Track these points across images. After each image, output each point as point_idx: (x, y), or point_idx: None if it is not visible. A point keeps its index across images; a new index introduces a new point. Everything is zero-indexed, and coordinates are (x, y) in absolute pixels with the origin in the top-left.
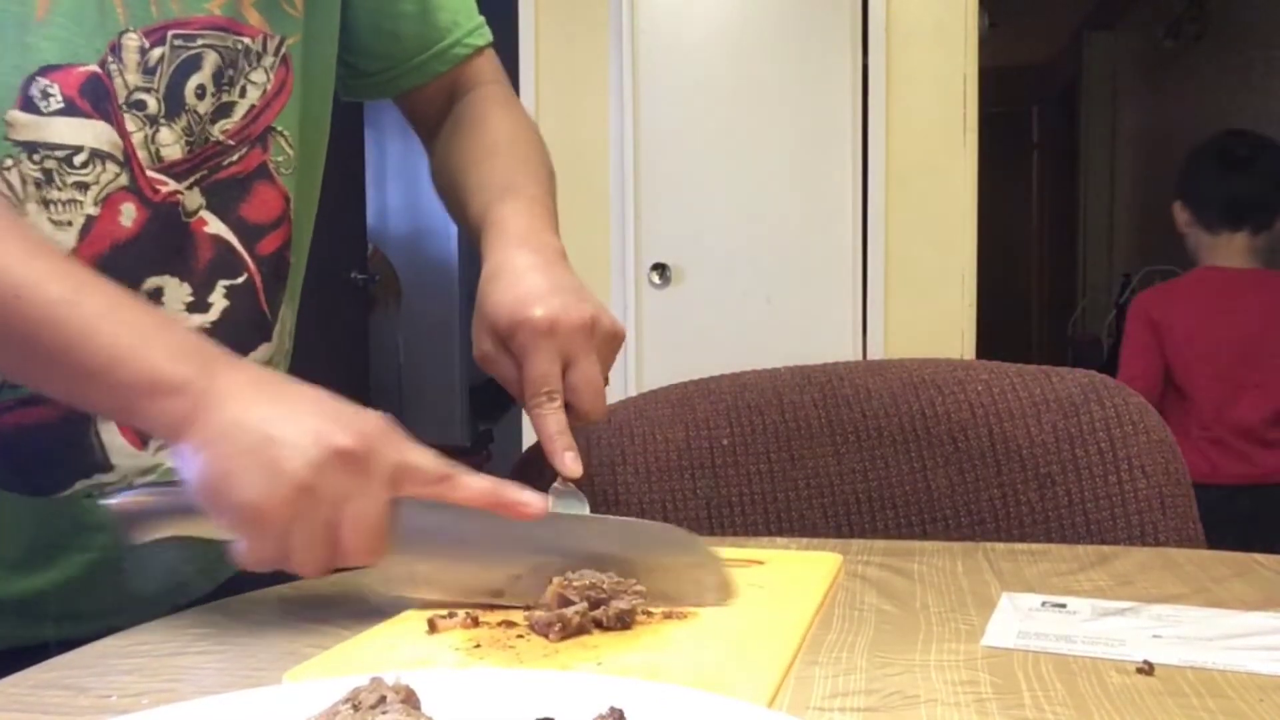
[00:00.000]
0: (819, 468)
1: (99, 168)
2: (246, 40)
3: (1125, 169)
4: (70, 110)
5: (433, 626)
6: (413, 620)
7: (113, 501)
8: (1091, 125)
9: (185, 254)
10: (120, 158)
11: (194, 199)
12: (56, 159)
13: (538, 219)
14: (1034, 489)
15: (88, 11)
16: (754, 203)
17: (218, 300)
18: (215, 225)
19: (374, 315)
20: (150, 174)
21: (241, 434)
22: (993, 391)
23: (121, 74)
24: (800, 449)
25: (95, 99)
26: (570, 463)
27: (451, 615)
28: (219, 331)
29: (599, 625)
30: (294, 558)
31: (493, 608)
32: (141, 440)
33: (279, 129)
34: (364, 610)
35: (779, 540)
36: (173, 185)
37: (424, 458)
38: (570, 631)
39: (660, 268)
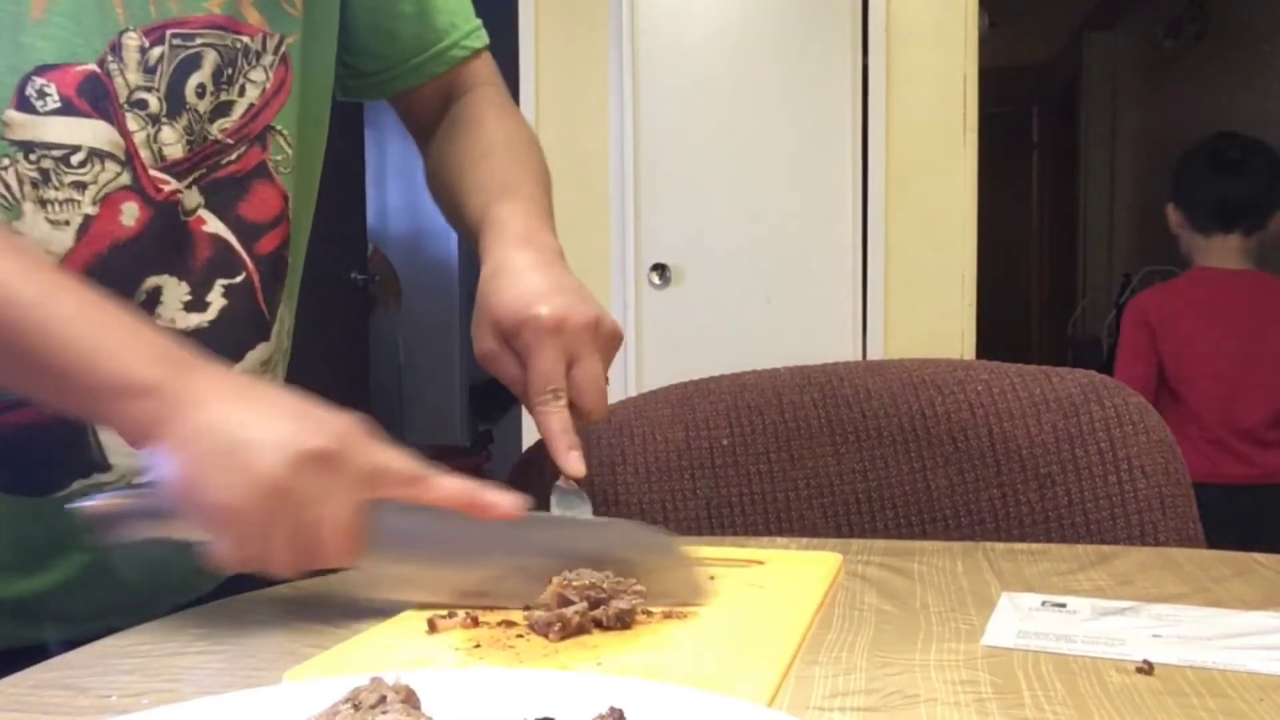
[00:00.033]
0: (819, 468)
1: (97, 167)
2: (245, 39)
3: (1125, 169)
4: (67, 110)
5: (433, 626)
6: (413, 620)
7: (85, 504)
8: (1091, 125)
9: (184, 253)
10: (122, 157)
11: (193, 198)
12: (53, 159)
13: (536, 219)
14: (1034, 489)
15: (86, 11)
16: (754, 203)
17: (216, 299)
18: (214, 224)
19: (374, 315)
20: (153, 173)
21: (214, 436)
22: (993, 391)
23: (122, 73)
24: (800, 449)
25: (94, 98)
26: (574, 462)
27: (451, 615)
28: (217, 331)
29: (599, 625)
30: (268, 559)
31: (491, 608)
32: None
33: (278, 128)
34: (364, 610)
35: (779, 540)
36: (174, 184)
37: (397, 459)
38: (570, 631)
39: (660, 268)
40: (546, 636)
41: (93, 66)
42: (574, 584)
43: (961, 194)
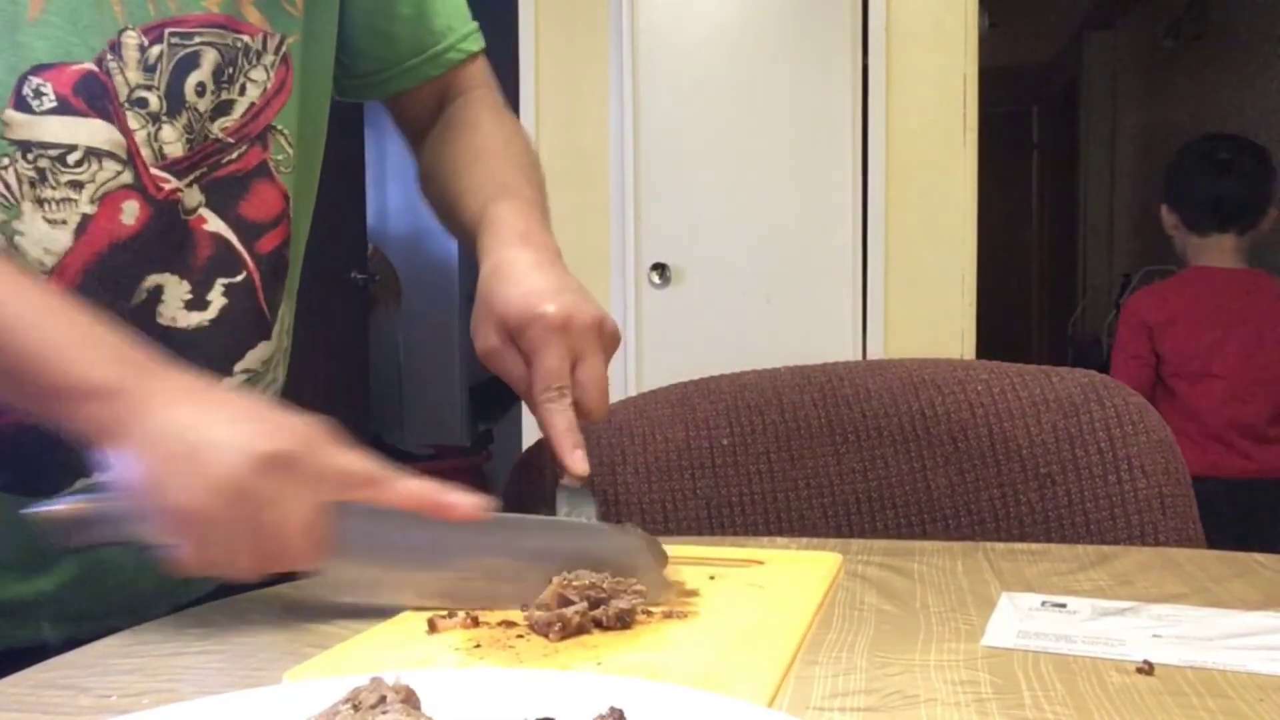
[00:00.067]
0: (819, 468)
1: (94, 166)
2: (246, 38)
3: (1125, 169)
4: (64, 109)
5: (433, 626)
6: (413, 620)
7: (42, 509)
8: (1091, 125)
9: (185, 252)
10: (123, 156)
11: (193, 196)
12: (50, 158)
13: (534, 220)
14: (1034, 489)
15: (83, 10)
16: (754, 203)
17: (216, 298)
18: (214, 223)
19: (374, 315)
20: (154, 171)
21: (172, 439)
22: (993, 391)
23: (122, 72)
24: (800, 449)
25: (91, 97)
26: (579, 461)
27: (451, 615)
28: (218, 329)
29: (599, 625)
30: (229, 562)
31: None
32: None
33: (279, 127)
34: (364, 610)
35: (779, 540)
36: (175, 183)
37: (358, 461)
38: (570, 631)
39: (660, 268)
40: (546, 636)
41: (90, 66)
42: (574, 584)
43: (961, 194)
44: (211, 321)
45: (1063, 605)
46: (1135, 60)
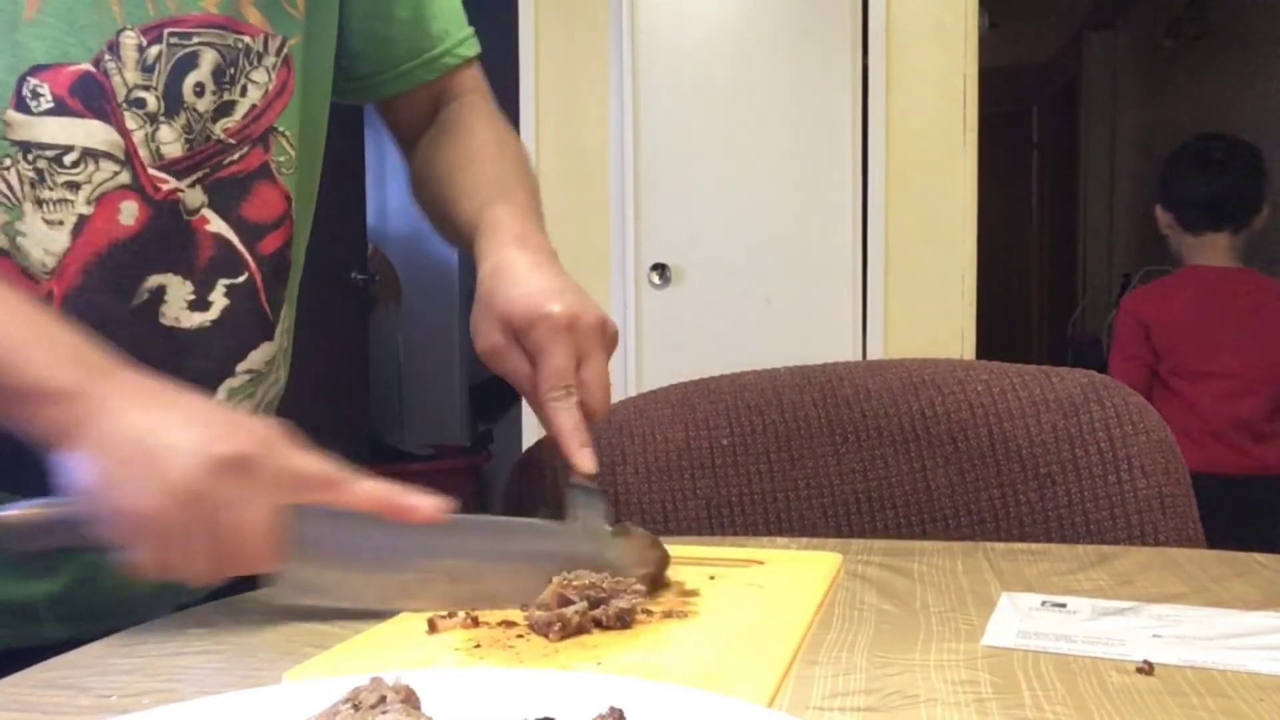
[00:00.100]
0: (819, 468)
1: (91, 167)
2: (247, 39)
3: (1125, 169)
4: (60, 110)
5: (433, 626)
6: (413, 620)
7: None
8: (1091, 125)
9: (187, 252)
10: (121, 156)
11: (196, 197)
12: (47, 159)
13: (531, 224)
14: (1034, 489)
15: (80, 10)
16: (754, 203)
17: (218, 299)
18: (217, 224)
19: (374, 315)
20: (151, 172)
21: (127, 443)
22: (993, 391)
23: (120, 72)
24: (800, 449)
25: (87, 98)
26: (587, 459)
27: (451, 615)
28: (220, 330)
29: (599, 625)
30: (186, 566)
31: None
32: None
33: (280, 129)
34: (364, 610)
35: (779, 540)
36: (173, 183)
37: (316, 463)
38: (570, 631)
39: (660, 268)
40: (546, 636)
41: (86, 66)
42: (574, 584)
43: (961, 194)
44: (213, 322)
45: (1063, 605)
46: (1135, 60)
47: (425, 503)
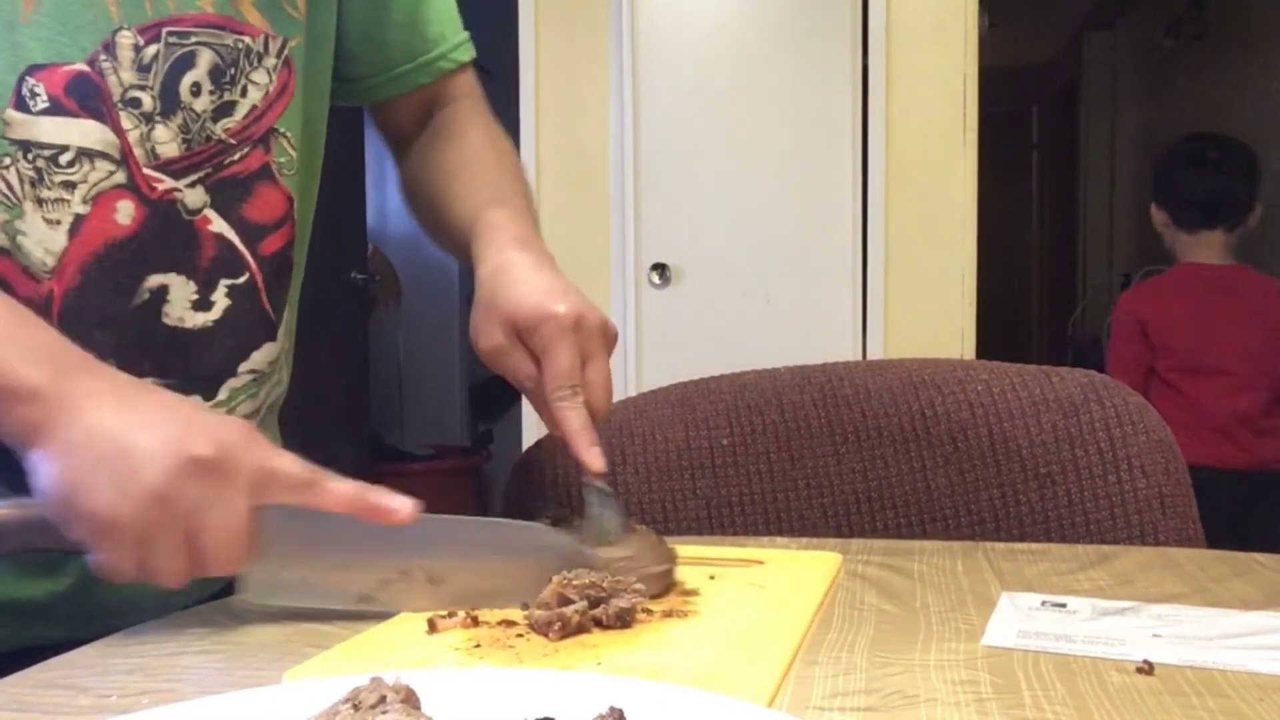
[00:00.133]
0: (819, 468)
1: (86, 166)
2: (247, 39)
3: (1125, 169)
4: (55, 110)
5: (433, 626)
6: (413, 620)
7: None
8: (1091, 125)
9: (190, 252)
10: (116, 156)
11: (197, 197)
12: (44, 158)
13: (528, 227)
14: (1034, 489)
15: (75, 10)
16: (754, 203)
17: (220, 299)
18: (218, 224)
19: (374, 315)
20: (147, 171)
21: (96, 443)
22: (993, 391)
23: (116, 72)
24: (800, 449)
25: (82, 97)
26: (596, 458)
27: (451, 615)
28: (223, 330)
29: (599, 624)
30: (156, 568)
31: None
32: None
33: (281, 130)
34: (364, 610)
35: (779, 540)
36: (170, 183)
37: (287, 463)
38: (570, 630)
39: (660, 268)
40: (546, 636)
41: (81, 66)
42: (574, 583)
43: (961, 194)
44: (216, 322)
45: (1063, 605)
46: (1135, 60)
47: (400, 503)
